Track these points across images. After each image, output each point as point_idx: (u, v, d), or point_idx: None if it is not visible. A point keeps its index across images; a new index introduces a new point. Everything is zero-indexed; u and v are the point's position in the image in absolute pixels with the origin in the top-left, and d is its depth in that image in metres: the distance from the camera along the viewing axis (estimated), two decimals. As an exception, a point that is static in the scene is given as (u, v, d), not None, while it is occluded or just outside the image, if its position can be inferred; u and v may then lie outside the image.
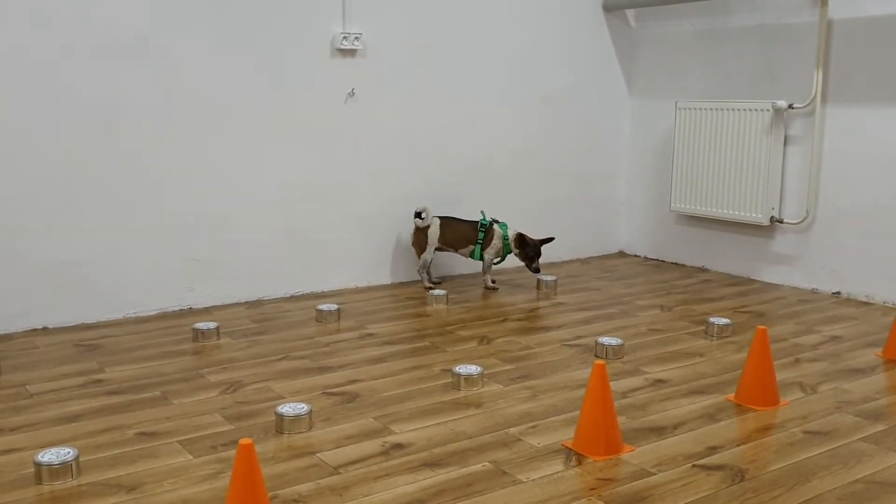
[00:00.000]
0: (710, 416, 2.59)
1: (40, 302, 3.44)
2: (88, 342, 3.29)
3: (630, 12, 4.92)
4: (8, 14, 3.23)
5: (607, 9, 4.82)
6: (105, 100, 3.47)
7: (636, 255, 5.08)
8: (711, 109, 4.41)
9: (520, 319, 3.67)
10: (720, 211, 4.43)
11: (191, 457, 2.28)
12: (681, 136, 4.58)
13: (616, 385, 2.82)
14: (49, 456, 2.16)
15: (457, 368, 2.85)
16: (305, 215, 4.01)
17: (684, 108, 4.54)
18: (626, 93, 5.01)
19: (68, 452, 2.18)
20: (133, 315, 3.64)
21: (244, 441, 1.74)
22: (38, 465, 2.13)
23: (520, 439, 2.40)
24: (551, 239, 4.19)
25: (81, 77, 3.40)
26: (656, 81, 4.87)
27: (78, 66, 3.39)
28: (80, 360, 3.08)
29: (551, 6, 4.63)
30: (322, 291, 4.10)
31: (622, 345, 3.18)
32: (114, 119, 3.50)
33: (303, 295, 4.03)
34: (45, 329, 3.46)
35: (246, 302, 3.89)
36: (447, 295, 3.95)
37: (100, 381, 2.87)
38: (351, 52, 4.02)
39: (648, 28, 4.89)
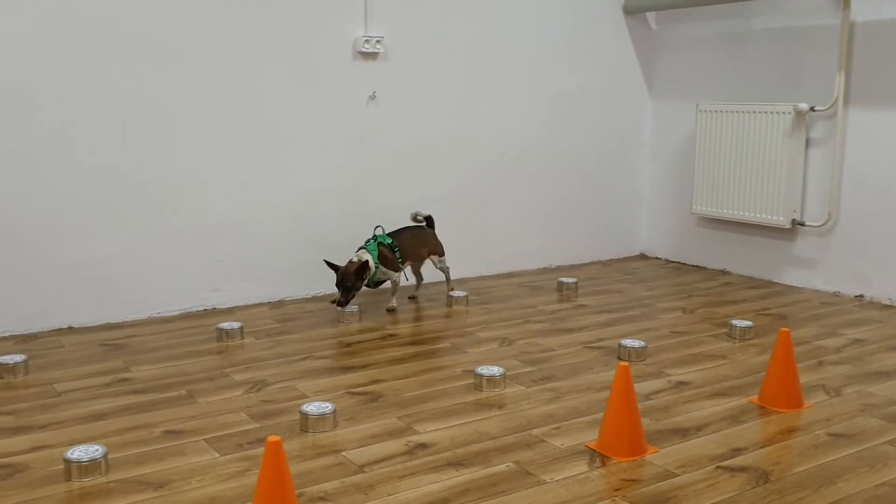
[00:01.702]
0: (734, 417, 2.58)
1: (66, 301, 3.48)
2: (113, 341, 3.33)
3: (651, 15, 4.92)
4: (38, 18, 3.27)
5: (628, 11, 4.81)
6: (130, 102, 3.51)
7: (657, 258, 5.07)
8: (733, 112, 4.40)
9: (541, 321, 3.67)
10: (741, 213, 4.42)
11: (217, 455, 2.30)
12: (702, 139, 4.57)
13: (639, 387, 2.82)
14: (78, 453, 2.18)
15: (479, 369, 2.86)
16: (327, 216, 4.03)
17: (706, 111, 4.53)
18: (648, 95, 5.00)
19: (97, 450, 2.21)
20: (157, 315, 3.67)
21: (272, 438, 1.76)
22: (67, 462, 2.16)
23: (543, 440, 2.41)
24: (346, 280, 3.58)
25: (107, 80, 3.44)
26: (677, 84, 4.87)
27: (103, 70, 3.43)
28: (105, 359, 3.12)
29: (572, 9, 4.63)
30: (343, 292, 4.12)
31: (645, 347, 3.18)
32: (139, 121, 3.54)
33: (325, 295, 4.05)
34: (70, 328, 3.50)
35: (269, 302, 3.91)
36: (467, 296, 3.96)
37: (126, 379, 2.90)
38: (372, 56, 4.04)
39: (669, 30, 4.88)
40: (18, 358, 2.96)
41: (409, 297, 4.02)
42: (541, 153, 4.66)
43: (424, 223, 4.04)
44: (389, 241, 3.77)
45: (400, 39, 4.10)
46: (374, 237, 3.75)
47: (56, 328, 3.48)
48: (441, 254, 4.03)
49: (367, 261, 3.61)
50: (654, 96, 5.01)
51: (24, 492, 2.08)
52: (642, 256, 5.13)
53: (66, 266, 3.46)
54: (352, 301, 3.64)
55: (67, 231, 3.45)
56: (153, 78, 3.53)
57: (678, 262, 4.94)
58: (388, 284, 3.87)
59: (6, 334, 3.37)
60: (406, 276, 3.97)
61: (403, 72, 4.15)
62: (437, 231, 4.08)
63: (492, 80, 4.43)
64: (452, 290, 4.06)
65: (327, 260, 3.68)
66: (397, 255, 3.77)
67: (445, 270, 4.07)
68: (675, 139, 4.91)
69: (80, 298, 3.51)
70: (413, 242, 3.90)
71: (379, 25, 4.03)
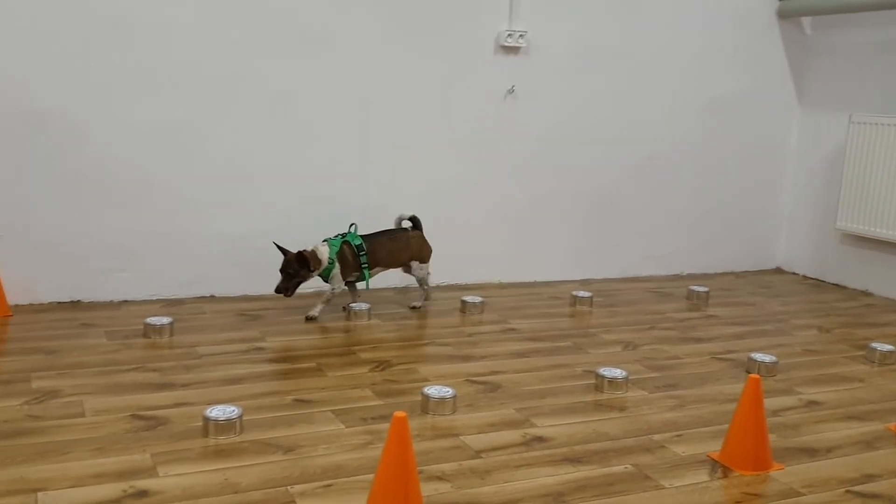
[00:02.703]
0: (868, 443, 2.46)
1: (211, 272, 3.69)
2: (251, 312, 3.51)
3: (806, 20, 4.71)
4: (200, 8, 3.48)
5: (782, 15, 4.63)
6: (282, 87, 3.67)
7: (794, 273, 4.87)
8: (889, 125, 4.16)
9: (668, 328, 3.60)
10: (890, 232, 4.18)
11: (342, 426, 2.39)
12: (853, 151, 4.35)
13: (768, 402, 2.71)
14: (216, 412, 2.32)
15: (600, 370, 2.85)
16: (457, 208, 4.09)
17: (859, 123, 4.31)
18: (796, 103, 4.80)
19: (233, 411, 2.34)
20: (292, 291, 3.84)
21: (399, 414, 1.82)
22: (206, 419, 2.30)
23: (664, 446, 2.37)
24: (290, 271, 3.38)
25: (261, 65, 3.62)
26: (829, 93, 4.65)
27: (259, 56, 3.61)
28: (243, 327, 3.29)
29: (723, 11, 4.50)
30: (466, 284, 4.18)
31: (776, 362, 3.07)
32: (288, 107, 3.70)
33: (448, 285, 4.12)
34: (212, 297, 3.71)
35: (395, 287, 4.01)
36: (591, 297, 3.93)
37: (261, 348, 3.05)
38: (514, 50, 4.06)
39: (825, 37, 4.66)
40: (165, 320, 3.16)
41: (412, 307, 3.69)
42: (680, 157, 4.56)
43: (411, 225, 3.69)
44: (359, 241, 3.48)
45: (543, 35, 4.11)
46: (345, 234, 3.52)
47: (200, 296, 3.69)
48: (424, 259, 3.67)
49: (313, 251, 3.37)
50: (802, 105, 4.80)
51: (165, 443, 2.23)
52: (778, 270, 4.94)
53: (214, 239, 3.67)
54: (294, 289, 3.36)
55: (218, 206, 3.66)
56: (306, 66, 3.69)
57: (816, 279, 4.73)
58: (361, 284, 3.59)
59: (155, 298, 3.61)
60: (365, 286, 3.57)
61: (544, 67, 4.15)
62: (565, 228, 4.04)
63: (634, 79, 4.36)
64: (425, 299, 3.74)
65: (277, 243, 3.39)
66: (362, 259, 3.47)
67: (422, 278, 3.70)
68: (822, 150, 4.69)
69: (223, 270, 3.71)
70: (391, 247, 3.57)
71: (523, 20, 4.05)
